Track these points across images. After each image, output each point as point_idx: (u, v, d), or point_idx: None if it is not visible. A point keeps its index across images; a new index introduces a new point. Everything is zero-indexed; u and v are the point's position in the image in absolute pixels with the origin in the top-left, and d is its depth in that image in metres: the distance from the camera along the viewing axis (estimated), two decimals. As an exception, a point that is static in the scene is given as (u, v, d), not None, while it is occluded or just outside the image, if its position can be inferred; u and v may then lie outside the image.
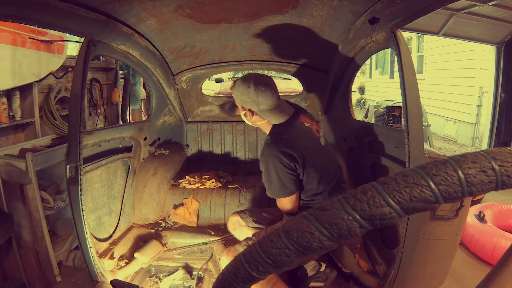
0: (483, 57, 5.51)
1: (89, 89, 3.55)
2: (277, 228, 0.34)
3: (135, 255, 1.87)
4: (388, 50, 7.27)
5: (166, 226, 2.21)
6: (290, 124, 1.52)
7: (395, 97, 6.02)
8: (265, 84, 1.46)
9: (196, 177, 2.42)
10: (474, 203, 2.77)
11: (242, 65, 2.42)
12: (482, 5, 3.30)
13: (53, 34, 2.69)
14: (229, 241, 2.01)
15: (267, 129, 1.57)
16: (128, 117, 4.09)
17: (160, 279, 1.91)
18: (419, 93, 1.36)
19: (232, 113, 1.81)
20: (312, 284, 1.54)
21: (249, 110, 1.51)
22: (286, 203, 1.50)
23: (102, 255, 1.79)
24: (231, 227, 1.82)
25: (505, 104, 4.31)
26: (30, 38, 2.47)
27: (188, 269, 1.92)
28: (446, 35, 4.06)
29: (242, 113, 1.57)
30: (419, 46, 8.05)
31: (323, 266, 1.59)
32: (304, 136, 1.53)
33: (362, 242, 1.92)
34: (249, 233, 1.69)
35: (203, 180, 2.40)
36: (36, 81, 2.68)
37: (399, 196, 0.30)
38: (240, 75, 6.23)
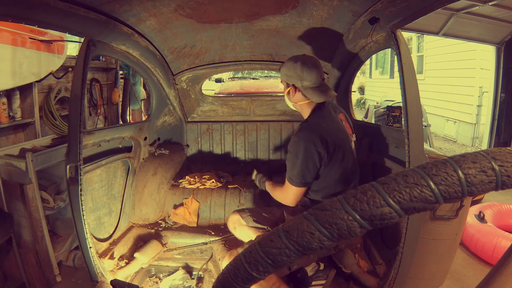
0: (483, 57, 5.51)
1: (89, 89, 3.55)
2: (277, 228, 0.34)
3: (135, 255, 1.87)
4: (388, 50, 7.28)
5: (166, 226, 2.21)
6: (329, 116, 1.53)
7: (395, 97, 6.01)
8: (312, 62, 1.50)
9: (196, 177, 2.42)
10: (474, 203, 2.77)
11: (242, 65, 2.42)
12: (482, 5, 3.30)
13: (53, 34, 2.69)
14: (229, 241, 2.01)
15: (306, 112, 1.57)
16: (128, 117, 4.09)
17: (160, 279, 1.91)
18: (419, 93, 1.36)
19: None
20: (314, 283, 1.54)
21: (293, 85, 1.52)
22: (292, 192, 1.50)
23: (102, 255, 1.79)
24: (231, 226, 1.81)
25: (505, 104, 4.31)
26: (30, 38, 2.47)
27: (188, 269, 1.93)
28: (446, 35, 4.06)
29: (286, 92, 1.57)
30: (419, 46, 8.05)
31: (322, 265, 1.59)
32: (340, 131, 1.53)
33: (362, 242, 1.92)
34: (249, 232, 1.69)
35: (203, 180, 2.40)
36: (36, 81, 2.68)
37: (399, 196, 0.30)
38: (240, 75, 6.23)
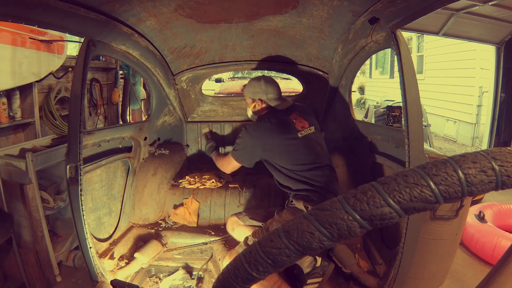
0: (483, 57, 5.51)
1: (89, 89, 3.55)
2: (277, 228, 0.34)
3: (135, 255, 1.87)
4: (388, 50, 7.27)
5: (166, 226, 2.21)
6: (276, 117, 1.78)
7: (395, 97, 6.02)
8: (272, 80, 1.87)
9: (196, 177, 2.42)
10: (474, 203, 2.77)
11: (242, 65, 2.42)
12: (482, 5, 3.30)
13: (53, 34, 2.69)
14: (229, 241, 2.01)
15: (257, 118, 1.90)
16: (128, 117, 4.09)
17: (160, 279, 1.91)
18: (419, 93, 1.36)
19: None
20: (309, 281, 1.54)
21: (259, 99, 1.83)
22: (232, 164, 1.87)
23: (102, 255, 1.79)
24: (229, 228, 1.87)
25: (505, 104, 4.31)
26: (30, 38, 2.47)
27: (188, 269, 1.93)
28: (446, 35, 4.06)
29: (251, 106, 1.88)
30: (419, 46, 8.05)
31: (319, 260, 1.59)
32: (287, 125, 1.77)
33: (362, 242, 1.92)
34: (246, 232, 1.72)
35: (203, 180, 2.40)
36: (36, 81, 2.68)
37: (399, 196, 0.30)
38: (240, 75, 6.23)
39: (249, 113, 1.95)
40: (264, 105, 1.84)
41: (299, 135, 1.75)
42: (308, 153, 1.74)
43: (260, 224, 1.77)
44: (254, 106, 1.87)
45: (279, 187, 1.80)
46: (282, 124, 1.75)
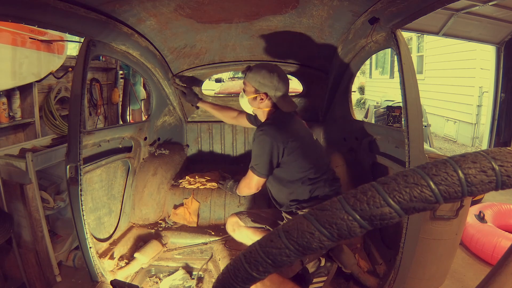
0: (483, 57, 5.51)
1: (89, 89, 3.55)
2: (277, 228, 0.34)
3: (135, 255, 1.87)
4: (388, 50, 7.27)
5: (166, 226, 2.21)
6: (289, 116, 1.65)
7: (395, 97, 6.01)
8: (285, 75, 1.63)
9: (196, 177, 2.42)
10: (474, 203, 2.77)
11: (242, 65, 2.42)
12: (482, 5, 3.30)
13: (53, 34, 2.69)
14: (229, 241, 2.00)
15: (263, 116, 1.70)
16: (128, 117, 4.09)
17: (160, 279, 1.91)
18: (419, 93, 1.36)
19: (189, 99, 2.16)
20: (315, 280, 1.54)
21: (264, 93, 1.60)
22: (255, 181, 1.65)
23: (102, 255, 1.79)
24: (230, 229, 1.81)
25: (505, 104, 4.31)
26: (30, 38, 2.47)
27: (188, 269, 1.93)
28: (446, 35, 4.06)
29: (250, 97, 1.65)
30: (419, 46, 8.05)
31: (323, 261, 1.60)
32: (300, 127, 1.67)
33: (362, 242, 1.92)
34: (248, 233, 1.69)
35: (203, 180, 2.40)
36: (36, 81, 2.68)
37: (399, 196, 0.30)
38: (240, 75, 6.23)
39: (243, 101, 1.71)
40: (268, 102, 1.63)
41: (314, 137, 1.70)
42: (322, 156, 1.70)
43: (263, 226, 1.72)
44: (255, 98, 1.64)
45: (276, 204, 1.72)
46: (299, 123, 1.65)
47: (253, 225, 1.72)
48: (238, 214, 1.80)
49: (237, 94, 5.20)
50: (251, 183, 1.66)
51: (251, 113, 1.79)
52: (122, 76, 4.00)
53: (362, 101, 12.05)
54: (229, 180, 1.97)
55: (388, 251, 1.75)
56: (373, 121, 5.51)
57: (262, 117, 1.71)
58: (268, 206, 2.21)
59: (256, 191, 1.70)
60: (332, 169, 1.73)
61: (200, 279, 1.86)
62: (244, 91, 1.69)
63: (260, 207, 2.18)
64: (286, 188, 1.62)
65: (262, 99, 1.62)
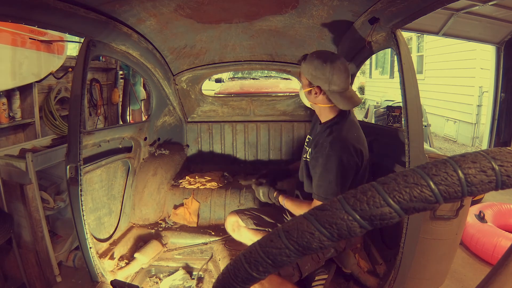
0: (483, 57, 5.51)
1: (89, 89, 3.55)
2: (277, 228, 0.34)
3: (135, 255, 1.87)
4: (388, 50, 7.27)
5: (166, 226, 2.21)
6: (355, 121, 1.41)
7: (395, 97, 6.02)
8: (342, 65, 1.34)
9: (196, 177, 2.42)
10: (474, 203, 2.77)
11: (242, 65, 2.42)
12: (482, 5, 3.30)
13: (53, 34, 2.69)
14: (229, 241, 2.00)
15: (327, 115, 1.43)
16: (128, 117, 4.09)
17: (160, 279, 1.91)
18: (419, 93, 1.36)
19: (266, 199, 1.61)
20: (317, 278, 1.54)
21: (318, 87, 1.36)
22: None
23: (102, 255, 1.79)
24: (229, 228, 1.78)
25: (505, 104, 4.31)
26: (30, 38, 2.47)
27: (188, 269, 1.92)
28: (446, 35, 4.06)
29: (305, 90, 1.42)
30: (419, 46, 8.04)
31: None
32: (363, 137, 1.41)
33: (362, 242, 1.92)
34: (248, 234, 1.68)
35: (204, 180, 2.40)
36: (36, 82, 2.68)
37: (399, 196, 0.30)
38: (240, 75, 6.22)
39: (302, 94, 1.49)
40: (324, 97, 1.37)
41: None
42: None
43: (265, 229, 1.68)
44: (310, 91, 1.40)
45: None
46: (363, 135, 1.39)
47: (254, 227, 1.70)
48: (238, 213, 1.75)
49: (237, 94, 5.17)
50: None
51: (310, 107, 1.52)
52: (122, 76, 4.00)
53: (362, 101, 12.04)
54: (263, 188, 1.59)
55: (388, 251, 1.75)
56: (373, 121, 5.51)
57: (324, 116, 1.45)
58: (268, 205, 2.21)
59: None
60: None
61: (200, 279, 1.86)
62: (301, 83, 1.48)
63: (260, 206, 2.18)
64: None
65: (316, 93, 1.37)
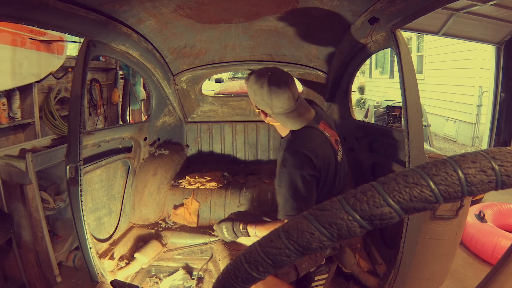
0: (483, 57, 5.51)
1: (89, 90, 3.55)
2: (277, 228, 0.34)
3: (135, 255, 1.87)
4: (388, 50, 7.27)
5: (166, 226, 2.21)
6: (312, 131, 1.32)
7: (395, 97, 6.01)
8: (281, 85, 1.25)
9: (196, 177, 2.42)
10: (474, 202, 2.77)
11: (242, 65, 2.42)
12: (482, 5, 3.30)
13: (53, 34, 2.69)
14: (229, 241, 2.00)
15: (283, 131, 1.39)
16: (128, 117, 4.09)
17: (160, 279, 1.91)
18: (419, 93, 1.36)
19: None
20: (317, 278, 1.54)
21: (262, 111, 1.33)
22: None
23: (102, 255, 1.79)
24: None
25: (505, 104, 4.31)
26: (30, 38, 2.47)
27: (188, 269, 1.92)
28: (446, 35, 4.06)
29: (256, 111, 1.38)
30: (419, 46, 8.05)
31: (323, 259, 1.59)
32: (326, 146, 1.33)
33: (362, 242, 1.92)
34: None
35: (203, 180, 2.40)
36: (36, 82, 2.68)
37: (399, 196, 0.30)
38: (240, 75, 6.23)
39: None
40: (272, 117, 1.33)
41: (339, 158, 1.38)
42: (344, 183, 1.43)
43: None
44: (259, 113, 1.37)
45: None
46: (324, 143, 1.31)
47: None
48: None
49: (237, 94, 5.18)
50: None
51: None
52: (122, 76, 4.00)
53: (362, 101, 12.05)
54: (227, 224, 1.44)
55: (388, 251, 1.75)
56: (373, 121, 5.52)
57: (281, 131, 1.41)
58: (270, 204, 2.21)
59: None
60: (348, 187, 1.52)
61: (200, 279, 1.86)
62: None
63: (260, 207, 2.18)
64: None
65: (264, 115, 1.34)
